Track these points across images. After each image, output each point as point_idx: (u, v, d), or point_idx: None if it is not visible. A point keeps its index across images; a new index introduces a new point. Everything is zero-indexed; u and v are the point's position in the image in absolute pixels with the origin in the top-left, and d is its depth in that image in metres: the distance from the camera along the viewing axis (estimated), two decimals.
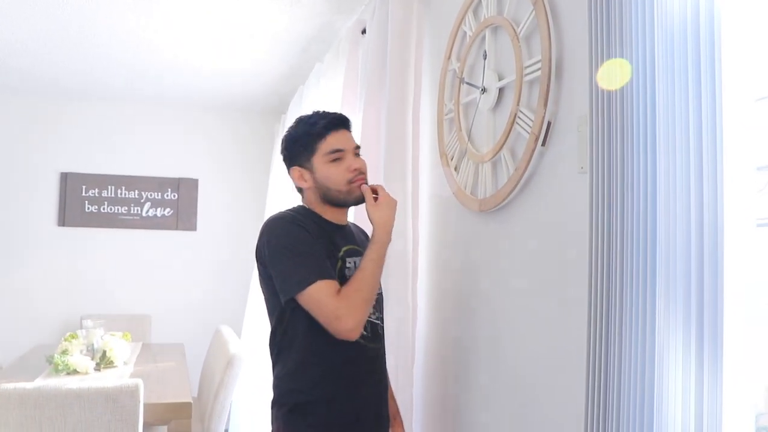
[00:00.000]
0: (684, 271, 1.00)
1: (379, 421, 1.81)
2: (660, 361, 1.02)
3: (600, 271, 1.18)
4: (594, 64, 1.23)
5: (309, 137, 1.75)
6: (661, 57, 1.07)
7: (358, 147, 1.79)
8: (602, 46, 1.20)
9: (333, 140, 1.74)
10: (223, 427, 3.19)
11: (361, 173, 1.75)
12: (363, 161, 1.78)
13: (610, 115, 1.17)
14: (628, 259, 1.10)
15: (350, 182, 1.74)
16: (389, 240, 1.72)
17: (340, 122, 1.77)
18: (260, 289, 1.79)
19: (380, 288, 1.83)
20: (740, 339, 0.95)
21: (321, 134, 1.74)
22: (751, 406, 0.93)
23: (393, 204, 1.74)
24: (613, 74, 1.16)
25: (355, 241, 1.84)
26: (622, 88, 1.14)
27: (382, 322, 1.84)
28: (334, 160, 1.73)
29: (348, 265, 1.74)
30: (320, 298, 1.60)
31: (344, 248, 1.74)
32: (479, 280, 1.93)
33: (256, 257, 1.75)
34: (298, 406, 1.71)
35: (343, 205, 1.79)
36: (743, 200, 0.97)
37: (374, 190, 1.75)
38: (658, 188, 1.06)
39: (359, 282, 1.64)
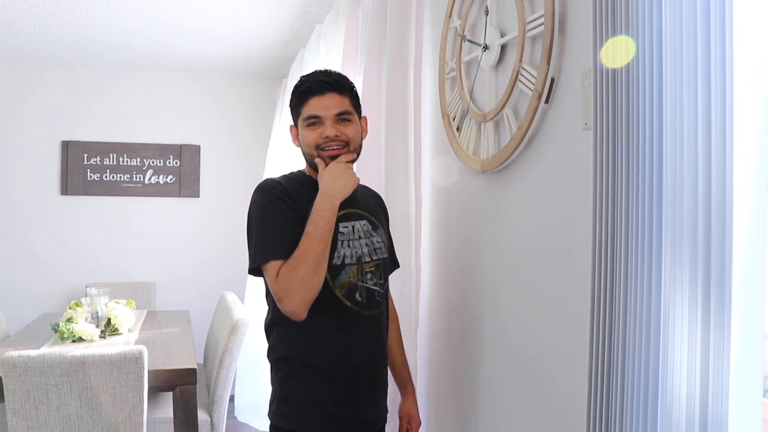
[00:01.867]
0: (691, 230, 0.97)
1: (376, 389, 1.77)
2: (665, 323, 1.00)
3: (605, 228, 1.15)
4: (598, 18, 1.18)
5: (295, 99, 1.74)
6: (669, 7, 1.03)
7: (344, 113, 1.70)
8: None
9: (312, 105, 1.69)
10: (229, 393, 3.21)
11: (334, 141, 1.68)
12: (347, 128, 1.70)
13: (615, 69, 1.13)
14: (633, 216, 1.07)
15: (319, 148, 1.69)
16: (328, 209, 1.62)
17: (326, 86, 1.69)
18: None
19: (384, 254, 1.80)
20: (749, 304, 0.92)
21: (302, 98, 1.72)
22: (760, 368, 0.90)
23: (334, 170, 1.65)
24: (618, 51, 1.12)
25: (357, 204, 1.76)
26: (627, 39, 1.10)
27: (382, 288, 1.78)
28: (311, 125, 1.70)
29: (342, 230, 1.69)
30: (269, 278, 1.61)
31: (339, 212, 1.66)
32: (483, 242, 1.91)
33: None
34: (293, 372, 1.69)
35: (317, 169, 1.72)
36: (753, 156, 0.93)
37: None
38: (664, 144, 1.02)
39: (294, 261, 1.57)
